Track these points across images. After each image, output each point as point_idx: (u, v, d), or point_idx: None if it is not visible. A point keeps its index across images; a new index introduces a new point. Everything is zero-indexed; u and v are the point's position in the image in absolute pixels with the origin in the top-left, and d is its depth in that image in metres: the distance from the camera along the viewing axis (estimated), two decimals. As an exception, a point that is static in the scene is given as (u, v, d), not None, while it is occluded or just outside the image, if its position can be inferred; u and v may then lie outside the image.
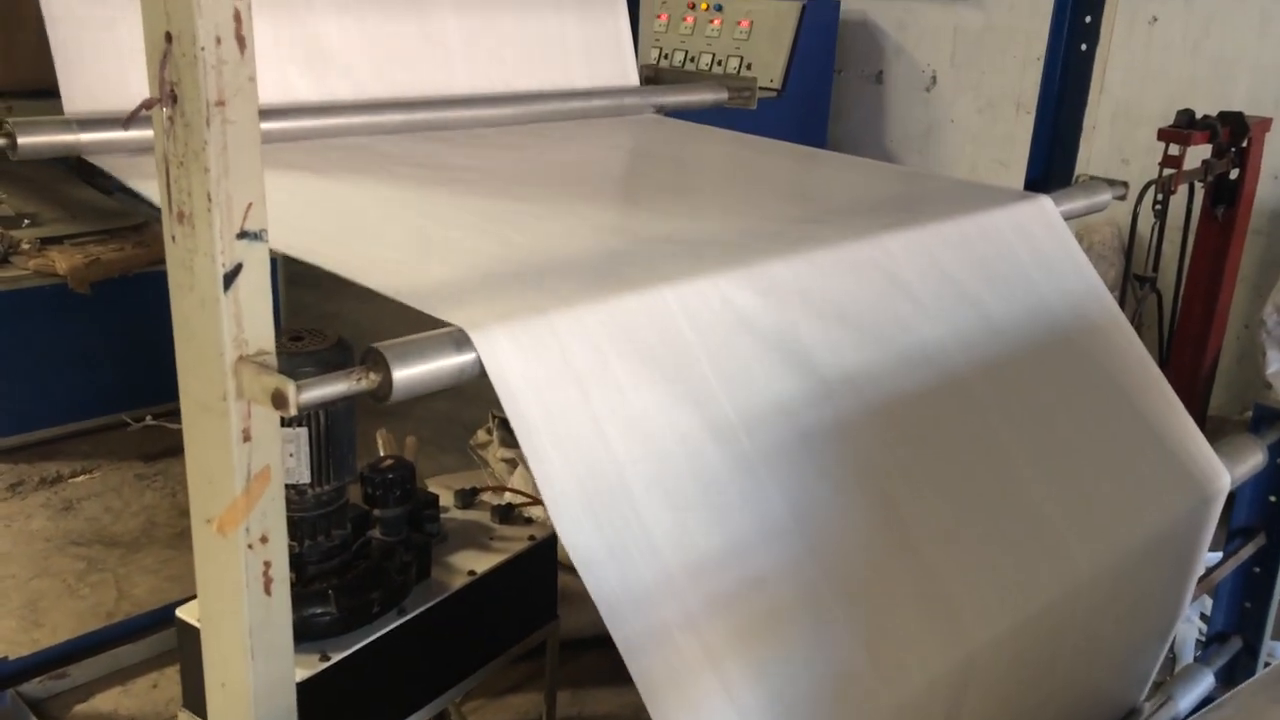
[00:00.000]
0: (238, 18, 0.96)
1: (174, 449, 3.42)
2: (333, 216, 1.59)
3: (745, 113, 2.83)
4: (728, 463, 1.28)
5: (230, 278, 1.02)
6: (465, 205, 1.71)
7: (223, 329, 1.03)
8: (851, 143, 4.81)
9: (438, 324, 1.15)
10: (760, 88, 4.54)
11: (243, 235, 1.02)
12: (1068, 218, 1.94)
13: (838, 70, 4.74)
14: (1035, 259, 1.81)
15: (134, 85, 1.75)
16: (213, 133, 0.97)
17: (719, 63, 4.61)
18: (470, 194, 1.77)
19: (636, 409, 1.22)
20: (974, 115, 4.38)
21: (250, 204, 1.02)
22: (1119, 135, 4.02)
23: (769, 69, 4.49)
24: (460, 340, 1.12)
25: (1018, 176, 2.23)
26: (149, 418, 3.59)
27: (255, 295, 1.04)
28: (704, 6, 4.69)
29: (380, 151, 1.98)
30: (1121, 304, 3.56)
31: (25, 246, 3.41)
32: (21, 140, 1.60)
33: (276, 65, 2.00)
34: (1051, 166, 2.21)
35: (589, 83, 2.54)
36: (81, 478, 3.30)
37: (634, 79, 2.67)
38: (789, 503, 1.31)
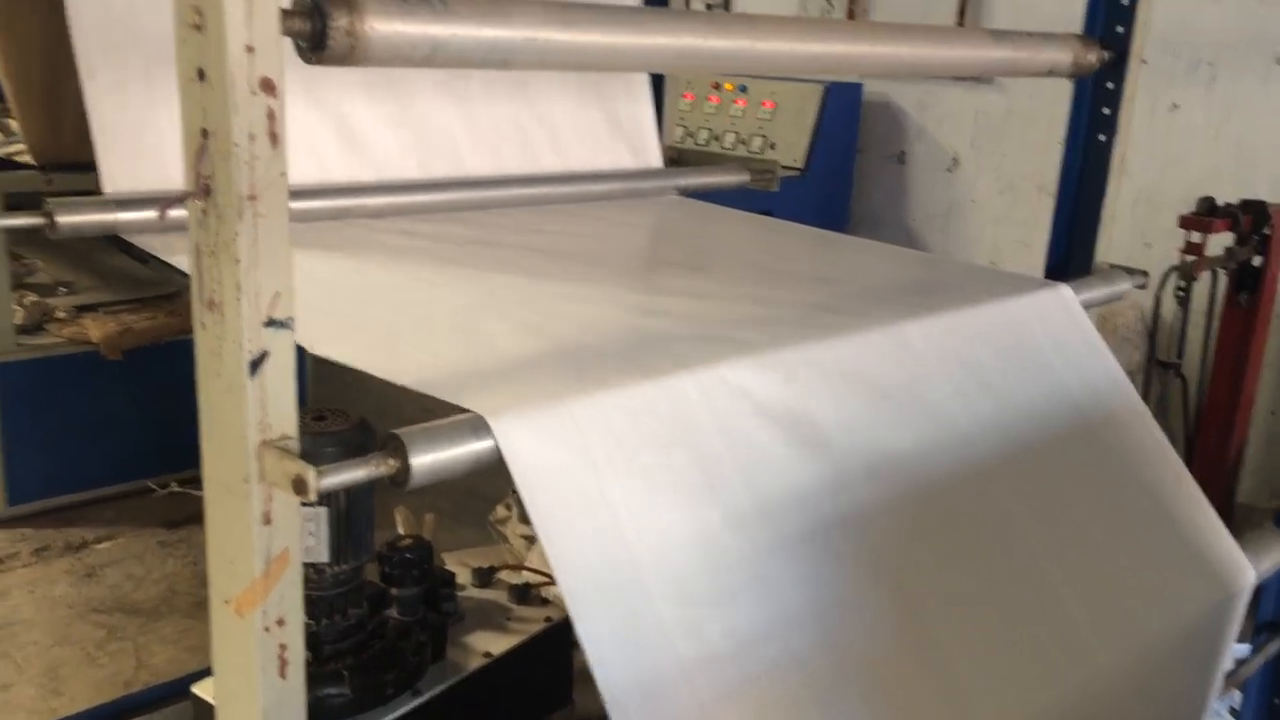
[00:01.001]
0: (271, 116, 1.00)
1: (196, 516, 3.43)
2: (349, 300, 1.62)
3: (768, 191, 2.87)
4: (743, 552, 1.28)
5: (256, 364, 1.04)
6: (485, 288, 1.74)
7: (247, 414, 1.05)
8: (873, 221, 4.85)
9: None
10: (783, 166, 4.61)
11: (270, 323, 1.05)
12: (1087, 306, 1.95)
13: (860, 150, 4.80)
14: (1055, 347, 1.82)
15: (170, 167, 1.81)
16: (244, 225, 1.00)
17: (743, 141, 4.68)
18: (490, 276, 1.80)
19: (652, 498, 1.23)
20: (996, 196, 4.41)
21: (278, 293, 1.05)
22: (1141, 220, 4.04)
23: (792, 148, 4.55)
24: (478, 427, 1.14)
25: (1040, 258, 2.25)
26: (173, 484, 3.62)
27: (280, 381, 1.07)
28: (729, 87, 4.77)
29: (401, 231, 2.02)
30: (1145, 388, 3.55)
31: (60, 314, 3.48)
32: (60, 219, 1.65)
33: (307, 144, 2.06)
34: (1071, 253, 2.23)
35: (612, 164, 2.59)
36: (105, 544, 3.32)
37: (657, 161, 2.71)
38: (804, 593, 1.31)
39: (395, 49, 1.10)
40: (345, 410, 1.52)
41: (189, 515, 3.49)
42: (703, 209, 2.52)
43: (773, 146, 4.61)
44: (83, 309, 3.56)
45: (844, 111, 4.61)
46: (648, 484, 1.24)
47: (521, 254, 1.99)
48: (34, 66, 2.87)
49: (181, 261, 1.66)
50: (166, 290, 3.72)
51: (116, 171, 1.78)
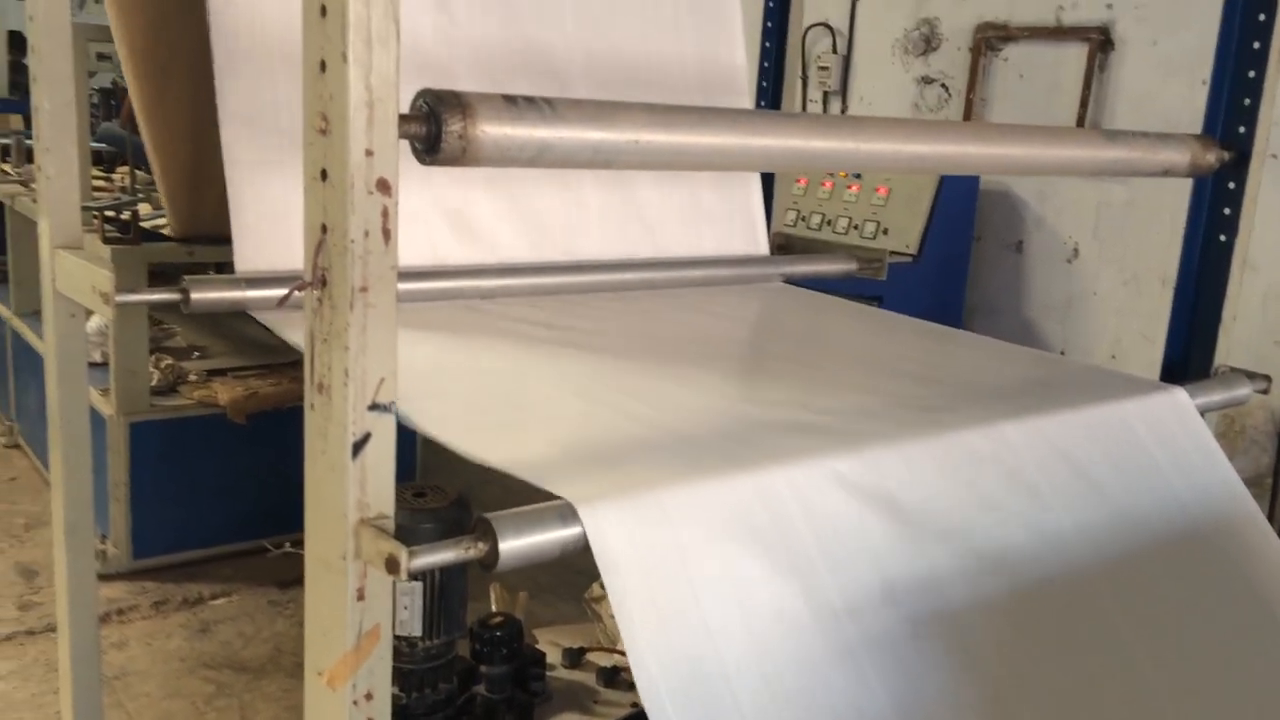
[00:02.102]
0: (385, 214, 1.06)
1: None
2: (453, 379, 1.67)
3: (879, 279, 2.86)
4: (830, 650, 1.27)
5: (359, 446, 1.10)
6: (586, 372, 1.77)
7: (348, 492, 1.10)
8: (989, 310, 4.77)
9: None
10: (897, 253, 4.59)
11: (374, 407, 1.10)
12: (1204, 411, 1.89)
13: (976, 238, 4.75)
14: (1167, 454, 1.76)
15: (297, 249, 1.92)
16: (355, 315, 1.06)
17: (856, 227, 4.68)
18: (592, 360, 1.84)
19: (740, 592, 1.23)
20: (1119, 288, 4.31)
21: (383, 379, 1.10)
22: (1271, 317, 3.88)
23: (905, 234, 4.53)
24: (567, 514, 1.16)
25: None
26: (287, 544, 3.74)
27: (380, 462, 1.12)
28: (842, 174, 4.80)
29: (508, 314, 2.08)
30: (1274, 492, 3.38)
31: (192, 377, 3.67)
32: (194, 296, 1.75)
33: (421, 229, 2.15)
34: (1190, 354, 2.16)
35: (719, 250, 2.63)
36: (220, 600, 3.45)
37: (764, 248, 2.74)
38: (892, 696, 1.29)
39: (504, 151, 1.16)
40: (444, 487, 1.57)
41: (299, 576, 3.59)
42: (809, 298, 2.53)
43: (886, 232, 4.60)
44: (213, 373, 3.75)
45: (960, 199, 4.58)
46: (736, 579, 1.24)
47: (623, 339, 2.03)
48: (181, 146, 3.06)
49: (300, 338, 1.75)
50: (292, 357, 3.89)
51: (249, 251, 1.89)
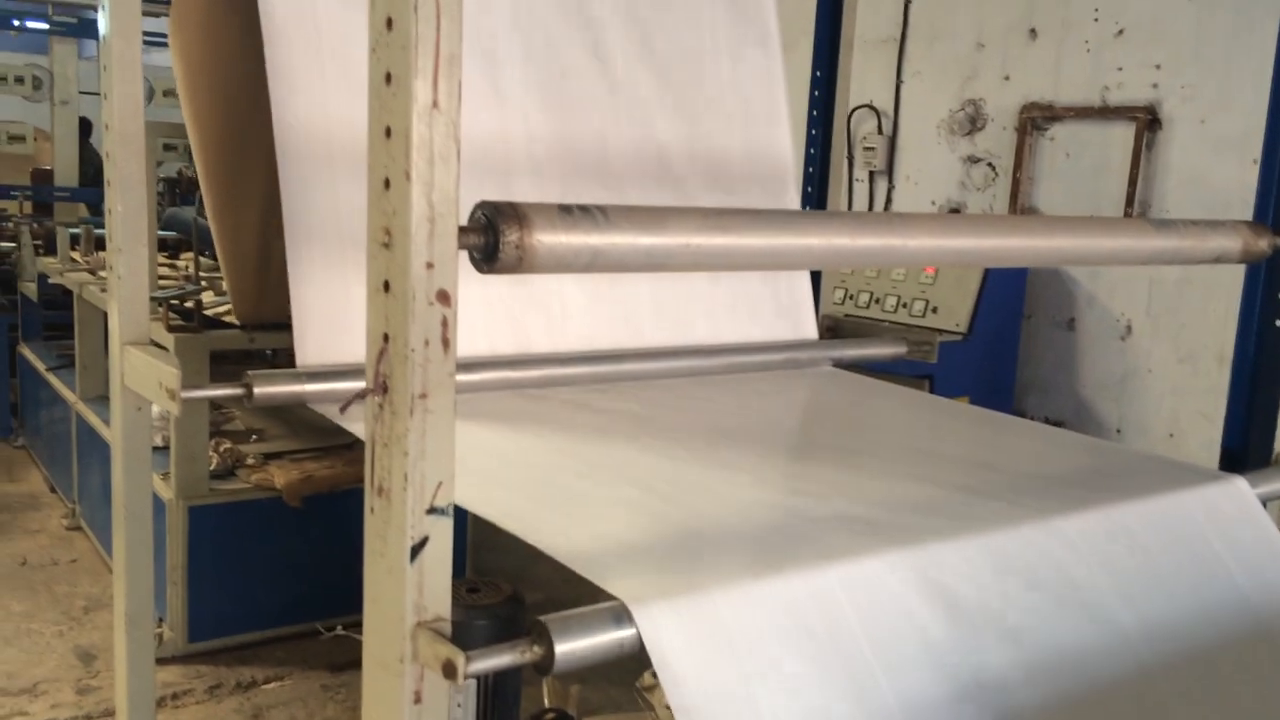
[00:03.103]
0: (444, 323, 1.09)
1: (358, 660, 3.55)
2: (510, 469, 1.70)
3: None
4: (886, 754, 1.26)
5: (417, 549, 1.12)
6: (639, 462, 1.79)
7: (405, 596, 1.12)
8: (1042, 388, 4.73)
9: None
10: (946, 331, 4.58)
11: (431, 511, 1.12)
12: (1266, 501, 1.85)
13: (1026, 315, 4.73)
14: (1230, 546, 1.73)
15: (357, 344, 1.97)
16: (415, 421, 1.09)
17: (904, 305, 4.68)
18: (645, 449, 1.86)
19: (794, 695, 1.22)
20: (1174, 366, 4.25)
21: (441, 483, 1.13)
22: (1336, 394, 3.80)
23: (954, 313, 4.52)
24: (622, 615, 1.17)
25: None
26: (340, 627, 3.75)
27: (437, 565, 1.14)
28: (892, 251, 4.82)
29: (563, 401, 2.11)
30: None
31: (250, 461, 3.73)
32: (257, 391, 1.80)
33: (476, 320, 2.19)
34: (1249, 441, 2.13)
35: (768, 335, 2.65)
36: (273, 685, 3.46)
37: (812, 332, 2.76)
38: (951, 801, 1.27)
39: (559, 259, 1.20)
40: (498, 582, 1.58)
41: (351, 660, 3.61)
42: (858, 383, 2.54)
43: (935, 311, 4.59)
44: (270, 456, 3.81)
45: (1009, 277, 4.57)
46: (790, 680, 1.24)
47: (674, 427, 2.04)
48: (247, 235, 3.15)
49: (358, 429, 1.79)
50: (345, 440, 3.94)
51: (310, 346, 1.95)
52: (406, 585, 1.11)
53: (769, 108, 2.66)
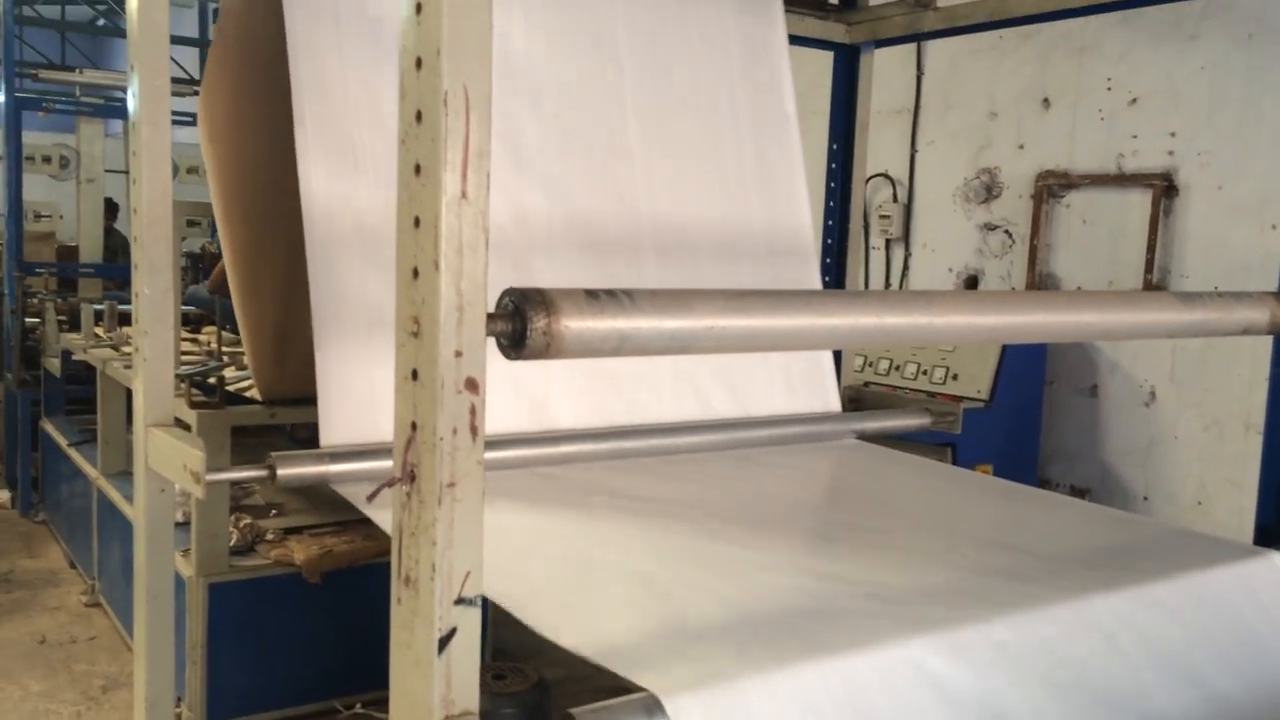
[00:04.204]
0: (473, 412, 1.09)
1: (377, 740, 3.49)
2: (527, 554, 1.68)
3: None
4: None
5: (445, 641, 1.10)
6: (662, 544, 1.77)
7: (433, 690, 1.10)
8: (1066, 455, 4.68)
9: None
10: (967, 398, 4.55)
11: (460, 601, 1.11)
12: (1304, 577, 1.82)
13: (1049, 382, 4.70)
14: (1267, 624, 1.69)
15: (381, 425, 1.97)
16: (443, 510, 1.08)
17: (924, 372, 4.67)
18: (667, 530, 1.84)
19: (827, 786, 1.20)
20: (1199, 433, 4.21)
21: (469, 573, 1.11)
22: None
23: (976, 380, 4.51)
24: (652, 707, 1.15)
25: (1252, 498, 2.12)
26: (358, 705, 3.70)
27: (465, 657, 1.12)
28: (911, 319, 4.82)
29: (578, 479, 2.09)
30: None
31: (270, 536, 3.71)
32: (281, 472, 1.80)
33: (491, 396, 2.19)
34: (1283, 513, 2.10)
35: (791, 407, 2.64)
36: (291, 765, 3.41)
37: (835, 404, 2.74)
38: None
39: (587, 344, 1.19)
40: (524, 668, 1.56)
41: (370, 739, 3.55)
42: (882, 456, 2.51)
43: (955, 378, 4.57)
44: (289, 531, 3.79)
45: (1030, 345, 4.56)
46: (823, 771, 1.21)
47: (697, 506, 2.02)
48: (269, 313, 3.18)
49: (382, 516, 1.78)
50: (365, 514, 3.92)
51: (334, 426, 1.95)
52: (434, 678, 1.10)
53: (788, 184, 2.68)
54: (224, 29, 2.52)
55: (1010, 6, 2.66)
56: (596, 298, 1.21)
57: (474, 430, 1.09)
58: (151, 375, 2.00)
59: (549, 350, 1.18)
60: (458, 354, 1.08)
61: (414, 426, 1.10)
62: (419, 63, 1.07)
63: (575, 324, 1.18)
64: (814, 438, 2.57)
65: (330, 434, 1.96)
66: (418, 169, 1.08)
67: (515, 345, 1.17)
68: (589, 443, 2.24)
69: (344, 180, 2.00)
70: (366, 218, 1.99)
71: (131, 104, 1.98)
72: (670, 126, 2.50)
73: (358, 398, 1.98)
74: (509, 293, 1.18)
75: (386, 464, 1.67)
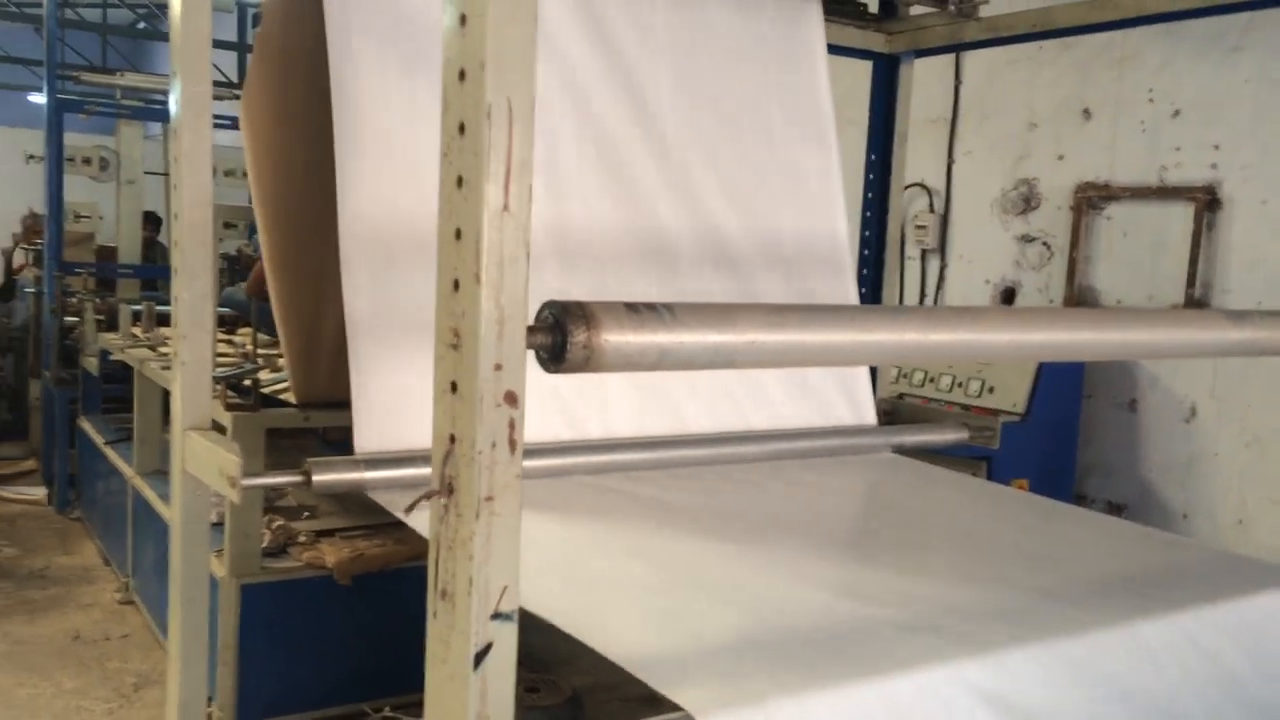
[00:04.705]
0: (511, 425, 1.08)
1: (405, 744, 3.50)
2: (563, 565, 1.67)
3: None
4: None
5: (480, 656, 1.09)
6: (699, 556, 1.76)
7: (468, 704, 1.09)
8: (1105, 471, 4.62)
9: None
10: (1004, 412, 4.50)
11: (496, 616, 1.10)
12: (1352, 602, 1.77)
13: (1087, 396, 4.64)
14: (1316, 651, 1.65)
15: (415, 432, 1.97)
16: (480, 524, 1.08)
17: (959, 384, 4.62)
18: (705, 543, 1.83)
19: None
20: (1241, 450, 4.14)
21: (505, 587, 1.10)
22: None
23: (1012, 393, 4.45)
24: (689, 727, 1.14)
25: None
26: (387, 708, 3.70)
27: (501, 672, 1.11)
28: (946, 330, 4.77)
29: (619, 489, 2.08)
30: None
31: (301, 539, 3.73)
32: (316, 478, 1.80)
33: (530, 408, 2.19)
34: (1331, 536, 2.05)
35: (826, 420, 2.61)
36: (319, 768, 3.42)
37: (871, 417, 2.72)
38: None
39: (627, 358, 1.18)
40: (556, 680, 1.55)
41: (398, 743, 3.56)
42: (919, 472, 2.49)
43: (991, 390, 4.52)
44: (321, 533, 3.81)
45: (1067, 357, 4.50)
46: (860, 795, 1.19)
47: (736, 518, 2.01)
48: (305, 314, 3.19)
49: (417, 520, 1.78)
50: (397, 518, 3.93)
51: (368, 433, 1.95)
52: (469, 693, 1.09)
53: (825, 194, 2.66)
54: (265, 34, 2.54)
55: (1054, 17, 2.63)
56: (637, 311, 1.20)
57: (512, 444, 1.09)
58: (189, 379, 2.01)
59: (588, 364, 1.17)
60: (497, 367, 1.07)
61: (452, 439, 1.10)
62: (462, 74, 1.06)
63: (615, 338, 1.17)
64: (851, 450, 2.54)
65: (364, 440, 1.96)
66: (460, 181, 1.07)
67: (555, 359, 1.16)
68: (623, 452, 2.23)
69: (380, 187, 2.00)
70: (402, 225, 1.99)
71: (173, 109, 1.99)
72: (706, 134, 2.48)
73: (392, 404, 1.98)
74: (549, 305, 1.18)
75: (421, 471, 1.69)
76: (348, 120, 2.01)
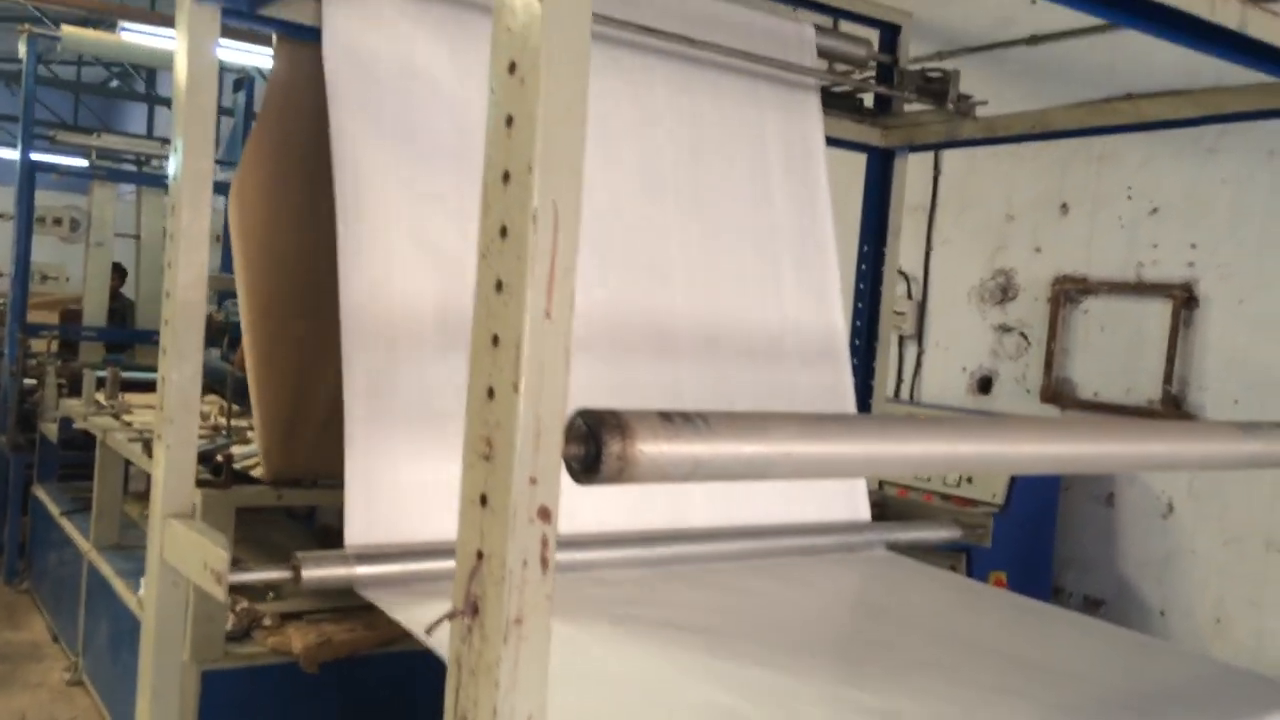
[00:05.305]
0: (544, 542, 1.03)
1: (367, 843, 3.33)
2: (558, 679, 1.59)
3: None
4: None
5: (503, 791, 1.02)
6: (689, 666, 1.68)
7: (489, 845, 1.01)
8: (1082, 565, 4.60)
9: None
10: (983, 502, 4.48)
11: (520, 749, 1.03)
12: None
13: (1064, 488, 4.64)
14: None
15: (411, 525, 1.90)
16: (508, 649, 1.01)
17: (941, 476, 4.60)
18: (694, 650, 1.76)
19: None
20: (1218, 549, 4.13)
21: (530, 715, 1.03)
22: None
23: (991, 484, 4.44)
24: None
25: (1274, 619, 2.04)
26: (349, 802, 3.55)
27: (523, 808, 1.03)
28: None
29: (611, 589, 2.01)
30: None
31: (267, 622, 3.59)
32: (306, 574, 1.73)
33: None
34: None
35: (820, 515, 2.57)
36: None
37: (865, 510, 2.68)
38: None
39: (660, 469, 1.13)
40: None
41: (360, 840, 3.39)
42: (914, 571, 2.44)
43: (970, 481, 4.50)
44: (287, 616, 3.67)
45: (1045, 449, 4.50)
46: None
47: (729, 621, 1.94)
48: (284, 391, 3.11)
49: (407, 615, 1.70)
50: (365, 601, 3.81)
51: (359, 526, 1.87)
52: (492, 835, 1.01)
53: (822, 286, 2.65)
54: (264, 119, 2.49)
55: (1051, 120, 2.66)
56: (671, 420, 1.15)
57: (544, 562, 1.03)
58: (173, 464, 1.93)
59: (622, 475, 1.11)
60: (532, 480, 1.01)
61: (480, 555, 1.03)
62: (507, 176, 1.02)
63: (650, 448, 1.12)
64: (844, 548, 2.50)
65: (355, 534, 1.88)
66: (499, 285, 1.03)
67: (587, 470, 1.11)
68: (614, 549, 2.17)
69: (384, 277, 1.95)
70: (406, 316, 1.94)
71: (172, 182, 1.94)
72: (708, 224, 2.47)
73: (387, 495, 1.91)
74: (581, 414, 1.12)
75: (415, 566, 1.60)
76: (350, 208, 1.96)
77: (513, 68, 1.02)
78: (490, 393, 1.03)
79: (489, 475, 1.03)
